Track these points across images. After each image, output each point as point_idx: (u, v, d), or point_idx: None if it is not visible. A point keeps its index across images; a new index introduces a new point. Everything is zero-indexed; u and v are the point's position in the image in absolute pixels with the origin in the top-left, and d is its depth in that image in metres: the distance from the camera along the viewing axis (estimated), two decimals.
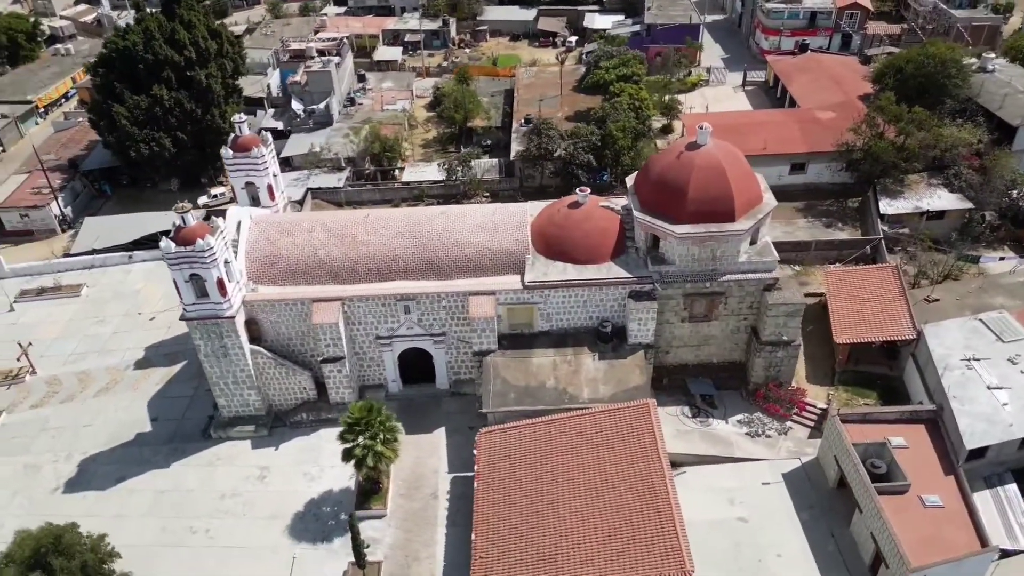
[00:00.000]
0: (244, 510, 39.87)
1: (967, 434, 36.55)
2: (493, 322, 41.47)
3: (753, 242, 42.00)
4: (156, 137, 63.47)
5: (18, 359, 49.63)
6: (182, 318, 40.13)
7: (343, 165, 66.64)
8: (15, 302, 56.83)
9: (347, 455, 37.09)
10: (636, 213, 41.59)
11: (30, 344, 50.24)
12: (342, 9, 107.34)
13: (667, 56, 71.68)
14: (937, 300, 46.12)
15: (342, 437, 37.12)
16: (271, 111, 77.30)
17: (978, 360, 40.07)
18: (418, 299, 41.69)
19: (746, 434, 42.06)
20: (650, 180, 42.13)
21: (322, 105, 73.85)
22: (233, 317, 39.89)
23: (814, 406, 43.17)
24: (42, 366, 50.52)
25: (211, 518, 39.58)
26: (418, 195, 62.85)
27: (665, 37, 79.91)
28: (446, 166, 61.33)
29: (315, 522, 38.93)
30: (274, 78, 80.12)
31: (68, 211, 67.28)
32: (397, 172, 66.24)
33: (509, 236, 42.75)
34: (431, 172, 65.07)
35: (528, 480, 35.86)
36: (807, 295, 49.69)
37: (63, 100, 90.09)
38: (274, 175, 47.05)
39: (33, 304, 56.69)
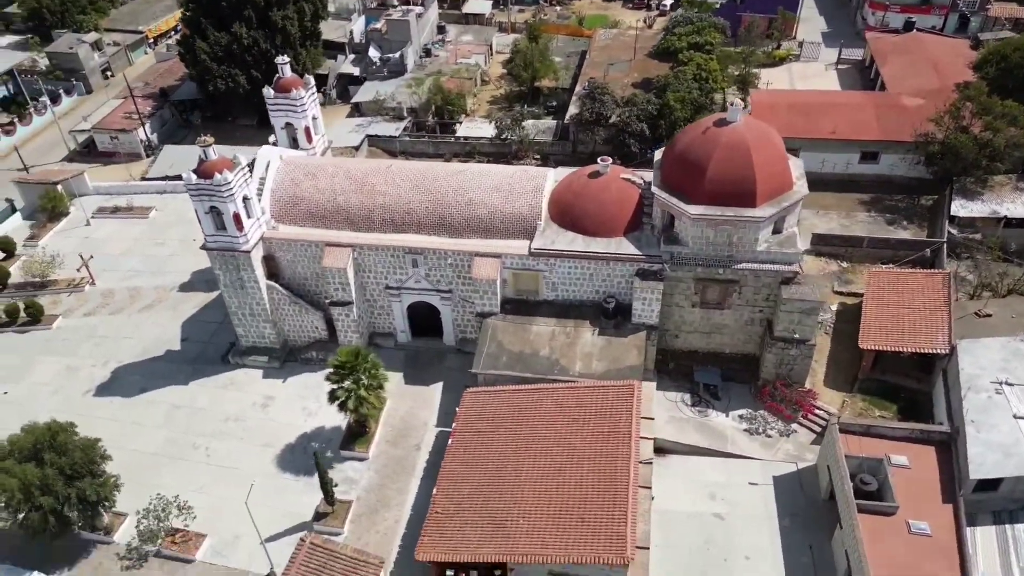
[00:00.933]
0: (243, 435, 42.15)
1: (975, 463, 33.49)
2: (495, 285, 41.33)
3: (778, 231, 39.52)
4: (232, 73, 66.35)
5: (78, 270, 54.08)
6: (202, 247, 42.38)
7: (404, 115, 67.43)
8: (92, 218, 61.61)
9: (331, 396, 38.35)
10: (654, 188, 39.98)
11: (91, 257, 54.48)
12: None
13: (751, 26, 67.36)
14: (989, 315, 41.97)
15: (329, 378, 38.37)
16: (351, 56, 78.97)
17: (1011, 385, 36.45)
18: (426, 254, 42.06)
19: (745, 430, 40.28)
20: (673, 154, 40.28)
21: (397, 54, 74.66)
22: (249, 251, 41.67)
23: (825, 411, 40.72)
24: (102, 279, 54.74)
25: (213, 438, 42.14)
26: (470, 151, 62.88)
27: (758, 6, 75.08)
28: (497, 124, 60.81)
29: (303, 455, 40.67)
30: (358, 24, 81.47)
31: (154, 137, 71.92)
32: (458, 126, 66.42)
33: (523, 200, 42.16)
34: (490, 129, 64.82)
35: (499, 444, 35.93)
36: (849, 294, 46.83)
37: (172, 33, 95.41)
38: (313, 118, 48.22)
39: (107, 221, 61.24)
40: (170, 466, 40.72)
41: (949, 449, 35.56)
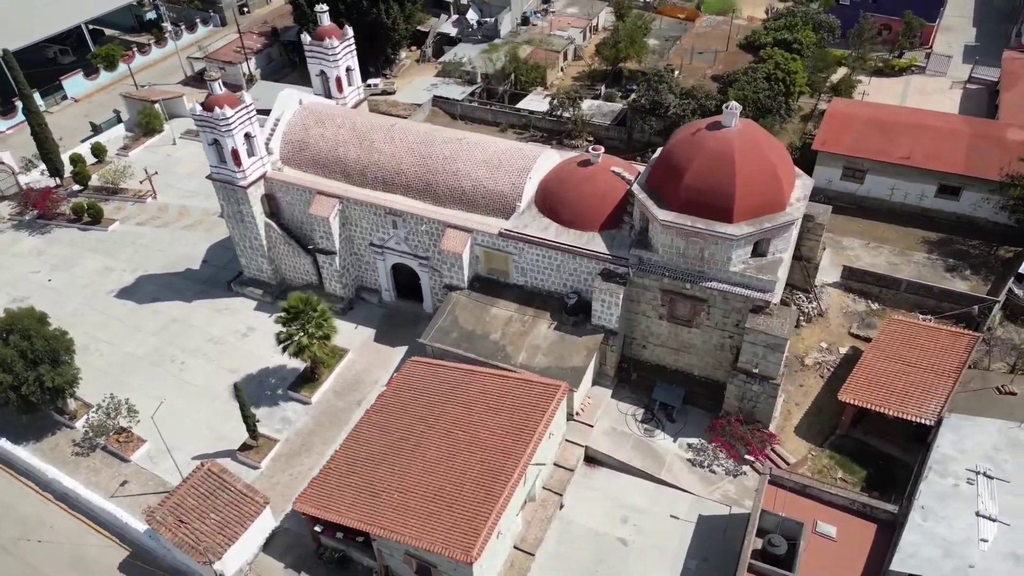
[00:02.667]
0: (216, 357, 44.62)
1: (903, 553, 28.98)
2: (461, 259, 40.57)
3: (761, 253, 35.65)
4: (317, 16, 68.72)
5: (140, 183, 59.16)
6: (208, 177, 44.84)
7: (477, 80, 67.02)
8: (179, 138, 66.94)
9: (277, 338, 39.63)
10: (636, 185, 37.28)
11: (155, 173, 59.36)
12: None
13: (863, 27, 60.09)
14: (1013, 394, 35.76)
15: (277, 320, 39.62)
16: (454, 17, 79.35)
17: (989, 478, 31.02)
18: (404, 217, 42.00)
19: (688, 460, 37.25)
20: (662, 153, 37.30)
21: (492, 19, 74.12)
22: (247, 187, 43.60)
23: (783, 459, 36.74)
24: (164, 194, 59.55)
25: (190, 354, 44.98)
26: (526, 124, 61.55)
27: (892, 6, 66.82)
28: (552, 100, 58.93)
29: (258, 387, 42.47)
30: None
31: (257, 72, 76.50)
32: (532, 97, 65.01)
33: (507, 179, 40.82)
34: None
35: (413, 417, 35.54)
36: (865, 339, 41.73)
37: None
38: (348, 69, 49.09)
39: (188, 143, 66.24)
40: (147, 371, 44.03)
41: (892, 531, 31.00)
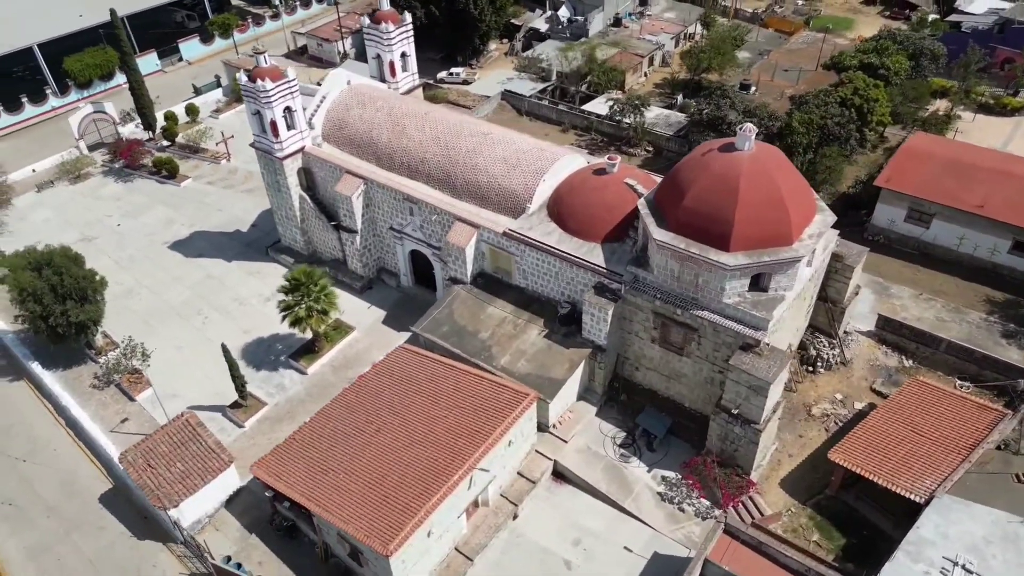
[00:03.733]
0: (237, 316, 46.80)
1: None
2: (464, 253, 40.34)
3: (762, 289, 33.21)
4: (412, 4, 70.21)
5: (216, 144, 62.74)
6: (251, 144, 46.90)
7: (552, 77, 66.25)
8: None
9: (279, 307, 40.94)
10: (643, 200, 35.66)
11: (231, 136, 62.78)
12: None
13: (970, 58, 54.32)
14: None
15: (279, 289, 40.90)
16: (548, 12, 78.80)
17: (968, 572, 27.54)
18: (420, 205, 42.24)
19: (658, 493, 35.40)
20: (671, 171, 35.43)
21: (582, 17, 73.00)
22: (282, 159, 45.27)
23: (758, 509, 34.20)
24: (237, 158, 62.88)
25: (215, 310, 47.39)
26: (587, 126, 60.25)
27: (1019, 39, 60.14)
28: (612, 105, 57.30)
29: (265, 351, 44.21)
30: None
31: (352, 51, 79.19)
32: (600, 100, 63.61)
33: (521, 179, 40.13)
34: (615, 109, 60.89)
35: (382, 402, 35.74)
36: (885, 396, 38.12)
37: None
38: (403, 55, 49.84)
39: None
40: (174, 320, 46.81)
41: None
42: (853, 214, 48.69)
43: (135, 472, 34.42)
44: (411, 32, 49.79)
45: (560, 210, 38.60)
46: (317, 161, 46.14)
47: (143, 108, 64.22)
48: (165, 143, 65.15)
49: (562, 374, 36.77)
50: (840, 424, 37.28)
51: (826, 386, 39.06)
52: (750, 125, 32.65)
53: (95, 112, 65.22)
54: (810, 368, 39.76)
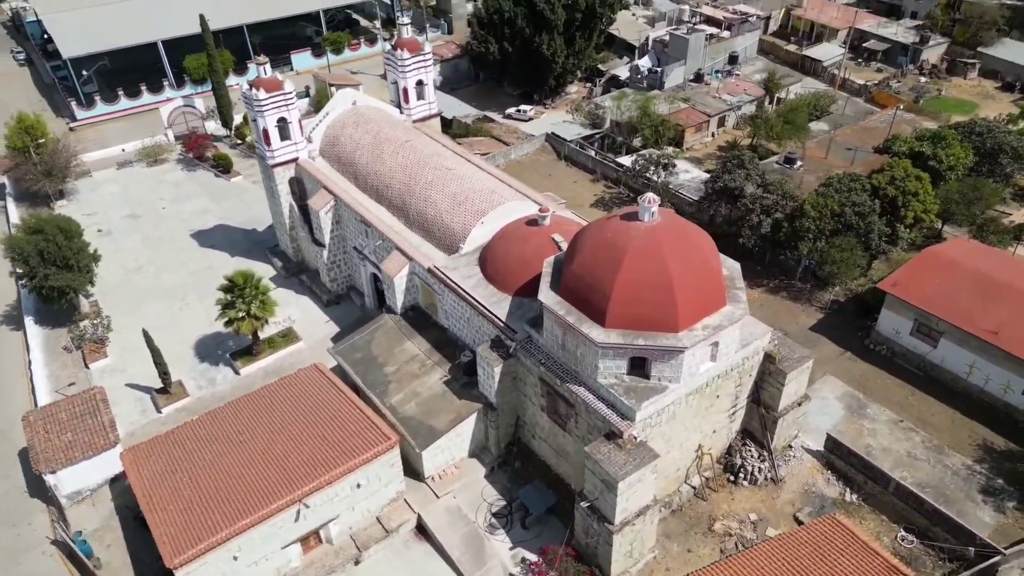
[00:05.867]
0: (212, 307, 48.05)
1: None
2: (393, 283, 39.55)
3: (644, 375, 29.61)
4: (486, 38, 70.90)
5: None
6: (249, 147, 49.01)
7: (605, 125, 64.03)
8: None
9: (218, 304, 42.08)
10: (552, 257, 33.17)
11: None
12: None
13: None
14: None
15: (219, 288, 42.00)
16: (629, 62, 76.52)
17: None
18: (371, 229, 42.02)
19: (510, 574, 32.32)
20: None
21: (659, 68, 70.18)
22: (272, 167, 46.91)
23: None
24: None
25: (197, 299, 49.43)
26: (617, 178, 57.43)
27: None
28: (636, 159, 54.13)
29: (214, 345, 45.37)
30: (662, 29, 78.05)
31: (438, 78, 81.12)
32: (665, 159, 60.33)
33: (462, 218, 38.81)
34: (681, 170, 57.30)
35: (263, 417, 35.17)
36: None
37: None
38: (418, 83, 50.13)
39: None
40: (161, 301, 49.67)
41: None
42: (862, 318, 42.56)
43: (30, 433, 36.52)
44: (429, 62, 50.03)
45: (485, 255, 36.90)
46: (305, 173, 47.40)
47: (222, 107, 69.56)
48: (237, 141, 70.00)
49: (444, 425, 34.79)
50: (741, 548, 32.25)
51: (744, 502, 34.04)
52: (651, 195, 29.48)
53: (185, 106, 71.48)
54: (732, 478, 34.88)
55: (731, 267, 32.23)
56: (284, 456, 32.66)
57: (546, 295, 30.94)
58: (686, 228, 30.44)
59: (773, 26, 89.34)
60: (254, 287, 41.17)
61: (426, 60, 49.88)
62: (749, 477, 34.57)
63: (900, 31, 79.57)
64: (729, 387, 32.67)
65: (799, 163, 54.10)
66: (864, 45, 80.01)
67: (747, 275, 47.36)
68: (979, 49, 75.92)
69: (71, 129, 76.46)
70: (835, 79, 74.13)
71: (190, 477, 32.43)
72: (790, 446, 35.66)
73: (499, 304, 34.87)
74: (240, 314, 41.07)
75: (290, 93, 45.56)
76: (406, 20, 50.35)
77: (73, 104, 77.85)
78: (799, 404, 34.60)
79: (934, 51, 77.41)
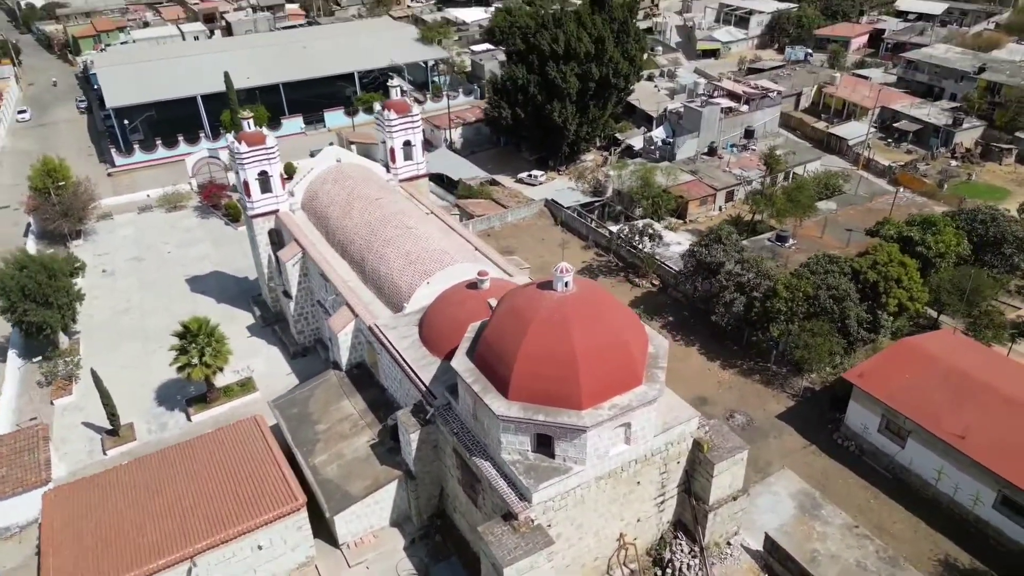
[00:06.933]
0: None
1: None
2: (337, 339, 39.10)
3: (549, 454, 27.98)
4: (499, 103, 71.74)
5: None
6: (232, 189, 50.13)
7: (606, 193, 63.26)
8: None
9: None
10: (476, 323, 32.14)
11: None
12: (880, 73, 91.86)
13: None
14: None
15: (174, 333, 42.27)
16: (646, 132, 75.98)
17: None
18: (328, 283, 41.95)
19: None
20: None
21: (671, 139, 69.40)
22: (252, 217, 47.76)
23: None
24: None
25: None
26: (607, 247, 56.21)
27: None
28: (620, 229, 52.88)
29: (174, 390, 45.46)
30: (679, 101, 77.52)
31: (460, 141, 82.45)
32: (654, 227, 59.21)
33: (410, 277, 38.35)
34: (674, 242, 55.89)
35: (188, 467, 34.84)
36: None
37: None
38: (405, 143, 50.67)
39: None
40: (137, 343, 50.57)
41: None
42: (833, 409, 39.65)
43: None
44: (417, 124, 50.63)
45: (425, 317, 36.17)
46: (283, 225, 48.07)
47: None
48: None
49: (359, 491, 33.59)
50: None
51: None
52: (565, 265, 28.37)
53: (210, 157, 74.40)
54: (659, 573, 32.29)
55: (658, 345, 30.52)
56: (189, 510, 32.06)
57: (460, 361, 29.87)
58: (601, 301, 29.07)
59: (805, 102, 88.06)
60: (207, 334, 41.36)
61: (414, 121, 50.51)
62: (677, 573, 31.94)
63: (933, 112, 76.90)
64: (652, 474, 30.53)
65: (791, 241, 51.88)
66: (895, 125, 77.52)
67: (722, 355, 45.83)
68: (1017, 134, 72.45)
69: (109, 175, 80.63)
70: (859, 158, 71.77)
71: (96, 524, 32.07)
72: (728, 543, 32.93)
73: (428, 367, 33.92)
74: (192, 360, 41.21)
75: (272, 148, 46.57)
76: (397, 82, 51.24)
77: (113, 151, 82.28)
78: (735, 498, 32.00)
79: (968, 134, 74.28)
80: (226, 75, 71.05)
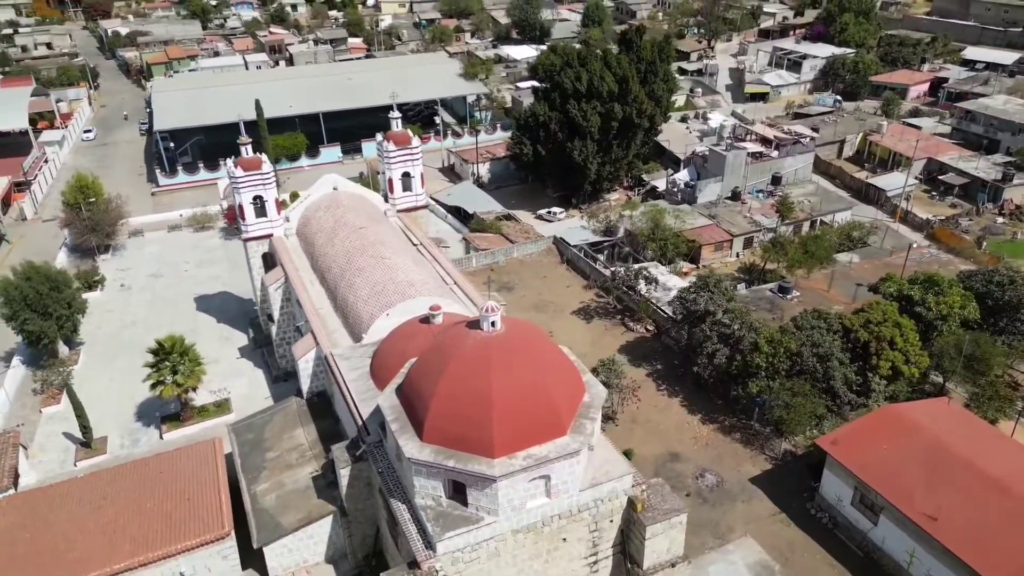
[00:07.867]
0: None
1: None
2: (299, 365, 38.85)
3: (462, 502, 26.74)
4: (522, 140, 71.44)
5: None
6: (230, 216, 51.06)
7: (617, 233, 61.79)
8: None
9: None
10: (417, 358, 31.30)
11: None
12: (932, 122, 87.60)
13: None
14: None
15: (150, 350, 42.88)
16: (672, 172, 74.23)
17: None
18: (301, 309, 41.96)
19: None
20: None
21: (694, 182, 67.52)
22: (246, 240, 48.50)
23: None
24: None
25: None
26: (607, 288, 54.58)
27: None
28: (616, 273, 51.18)
29: (155, 407, 45.86)
30: (710, 143, 75.52)
31: (487, 175, 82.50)
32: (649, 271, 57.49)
33: (371, 308, 37.91)
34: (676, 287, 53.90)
35: (135, 485, 34.78)
36: None
37: None
38: (404, 174, 50.75)
39: None
40: (134, 356, 50.60)
41: None
42: (810, 477, 36.82)
43: None
44: (417, 156, 50.67)
45: (376, 350, 35.54)
46: (274, 249, 48.62)
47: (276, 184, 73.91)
48: None
49: (291, 523, 32.92)
50: None
51: None
52: (492, 304, 27.36)
53: None
54: None
55: (595, 394, 28.96)
56: (121, 528, 32.06)
57: (386, 397, 29.11)
58: (532, 344, 27.84)
59: (849, 150, 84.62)
60: (180, 353, 41.86)
61: (414, 153, 50.61)
62: None
63: (983, 166, 72.50)
64: (580, 531, 28.77)
65: (794, 293, 49.22)
66: (940, 177, 73.45)
67: (704, 408, 43.46)
68: None
69: (152, 194, 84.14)
70: (896, 210, 68.13)
71: (32, 536, 32.37)
72: None
73: (370, 401, 33.04)
74: (164, 378, 41.73)
75: (268, 173, 47.38)
76: (397, 115, 51.45)
77: (157, 171, 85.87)
78: (672, 565, 29.82)
79: (1020, 190, 69.61)
80: (257, 103, 73.38)
